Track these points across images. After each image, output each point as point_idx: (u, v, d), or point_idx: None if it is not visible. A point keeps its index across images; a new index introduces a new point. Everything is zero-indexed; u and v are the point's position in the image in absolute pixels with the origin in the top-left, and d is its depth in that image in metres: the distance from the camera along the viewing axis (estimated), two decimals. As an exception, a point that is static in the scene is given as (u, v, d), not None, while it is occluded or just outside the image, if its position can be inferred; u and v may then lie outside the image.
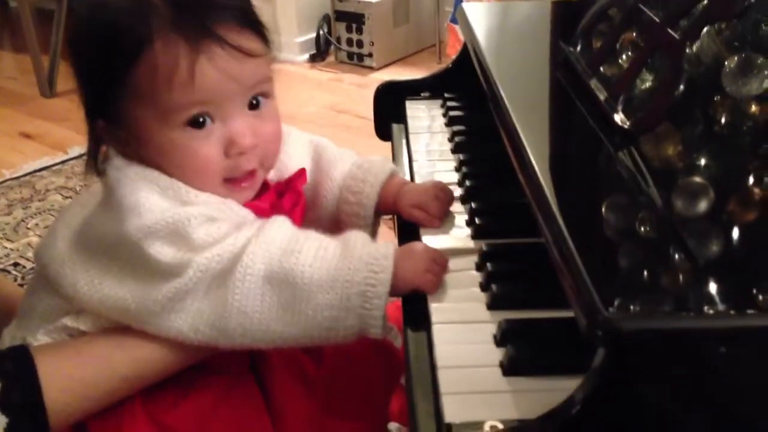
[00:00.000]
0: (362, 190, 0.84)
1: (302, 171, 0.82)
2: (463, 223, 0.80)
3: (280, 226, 0.71)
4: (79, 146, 2.18)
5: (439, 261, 0.70)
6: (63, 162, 2.12)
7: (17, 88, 2.68)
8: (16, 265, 1.65)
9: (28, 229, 1.79)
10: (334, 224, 0.86)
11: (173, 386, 0.74)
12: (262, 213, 0.75)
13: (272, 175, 0.82)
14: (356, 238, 0.71)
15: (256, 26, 0.72)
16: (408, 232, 0.81)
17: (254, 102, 0.73)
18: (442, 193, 0.82)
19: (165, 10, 0.67)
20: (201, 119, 0.70)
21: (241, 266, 0.67)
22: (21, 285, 1.56)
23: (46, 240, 0.76)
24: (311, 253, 0.68)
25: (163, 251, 0.67)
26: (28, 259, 1.66)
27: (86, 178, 0.75)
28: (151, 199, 0.69)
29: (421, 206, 0.81)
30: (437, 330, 0.63)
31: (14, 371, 0.67)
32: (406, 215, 0.82)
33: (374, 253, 0.68)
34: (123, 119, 0.71)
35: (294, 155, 0.85)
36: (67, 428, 0.71)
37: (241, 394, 0.77)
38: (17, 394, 0.66)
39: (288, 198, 0.79)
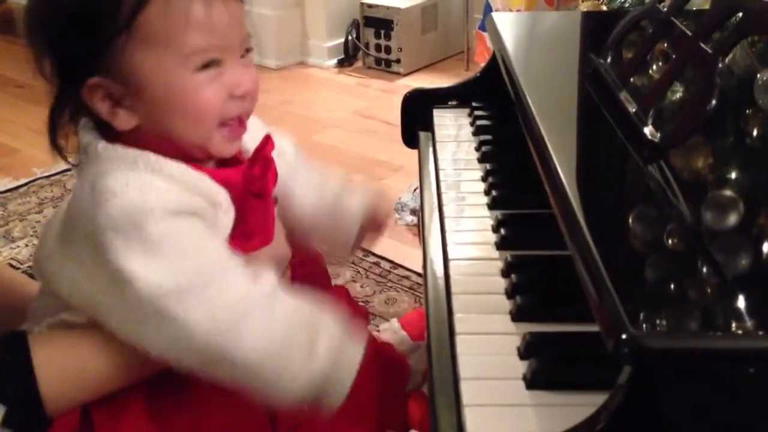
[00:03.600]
0: (337, 237, 0.93)
1: (267, 137, 0.80)
2: (489, 233, 0.80)
3: (238, 290, 0.70)
4: (108, 146, 2.21)
5: None
6: (93, 162, 2.15)
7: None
8: (45, 262, 1.67)
9: (57, 227, 1.82)
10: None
11: (174, 377, 0.74)
12: (235, 184, 0.75)
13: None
14: (322, 339, 0.72)
15: None
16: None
17: (245, 52, 0.74)
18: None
19: None
20: (211, 63, 0.71)
21: (180, 318, 0.66)
22: (49, 282, 1.59)
23: (39, 245, 0.78)
24: (287, 312, 0.71)
25: (115, 248, 0.66)
26: (56, 257, 1.69)
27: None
28: (121, 172, 0.68)
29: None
30: (461, 341, 0.63)
31: (9, 361, 0.68)
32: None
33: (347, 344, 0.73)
34: (121, 72, 0.69)
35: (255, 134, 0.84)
36: (73, 421, 0.71)
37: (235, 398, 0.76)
38: (12, 384, 0.66)
39: (258, 166, 0.78)
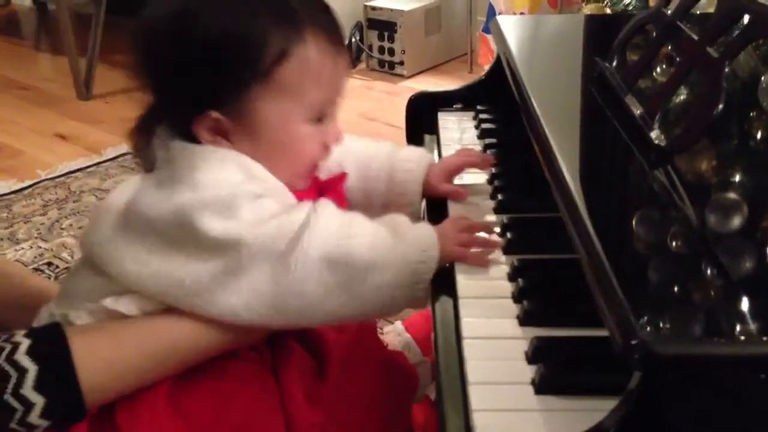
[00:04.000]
0: (406, 191, 0.89)
1: (343, 174, 0.86)
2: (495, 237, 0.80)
3: (332, 210, 0.74)
4: (113, 148, 2.22)
5: (467, 231, 0.76)
6: (98, 164, 2.15)
7: (54, 89, 2.73)
8: (49, 264, 1.67)
9: (62, 229, 1.82)
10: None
11: (197, 372, 0.75)
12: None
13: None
14: (401, 221, 0.76)
15: None
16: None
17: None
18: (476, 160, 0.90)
19: (306, 12, 0.73)
20: (322, 116, 0.76)
21: (299, 248, 0.69)
22: (54, 285, 1.59)
23: (90, 226, 0.79)
24: (367, 236, 0.72)
25: (212, 224, 0.69)
26: (61, 259, 1.69)
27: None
28: (211, 169, 0.72)
29: (450, 175, 0.89)
30: (468, 345, 0.63)
31: (50, 354, 0.68)
32: (437, 194, 0.89)
33: (421, 235, 0.74)
34: (241, 112, 0.73)
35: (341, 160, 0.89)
36: (95, 413, 0.72)
37: (259, 385, 0.78)
38: (53, 376, 0.67)
39: (330, 195, 0.81)
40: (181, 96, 0.74)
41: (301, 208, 0.73)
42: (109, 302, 0.74)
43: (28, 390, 0.66)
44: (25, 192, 2.00)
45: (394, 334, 1.13)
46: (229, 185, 0.71)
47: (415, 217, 0.88)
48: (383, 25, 2.83)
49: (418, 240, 0.73)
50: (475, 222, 0.79)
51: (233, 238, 0.69)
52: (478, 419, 0.55)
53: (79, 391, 0.68)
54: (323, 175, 0.85)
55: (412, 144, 1.13)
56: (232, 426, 0.73)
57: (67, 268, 1.65)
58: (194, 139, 0.75)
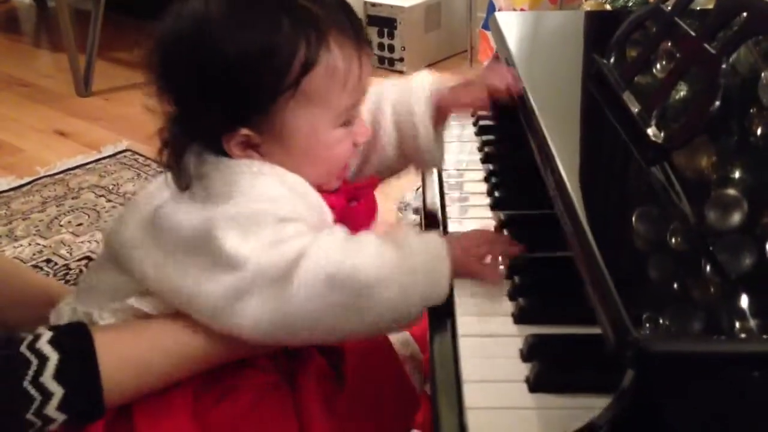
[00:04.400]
0: (413, 115, 0.86)
1: (373, 179, 0.86)
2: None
3: (336, 232, 0.73)
4: (112, 145, 2.21)
5: (484, 246, 0.73)
6: (97, 161, 2.15)
7: (53, 86, 2.73)
8: (48, 261, 1.67)
9: (61, 226, 1.82)
10: (397, 160, 0.89)
11: (218, 382, 0.76)
12: (338, 208, 0.78)
13: None
14: (407, 235, 0.73)
15: None
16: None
17: None
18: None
19: (327, 16, 0.71)
20: (350, 119, 0.76)
21: (301, 270, 0.67)
22: (53, 281, 1.59)
23: (116, 226, 0.78)
24: (371, 254, 0.70)
25: (230, 238, 0.68)
26: (60, 256, 1.69)
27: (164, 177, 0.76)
28: (246, 189, 0.71)
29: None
30: (463, 343, 0.63)
31: (72, 346, 0.68)
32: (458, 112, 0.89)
33: (430, 249, 0.71)
34: (271, 125, 0.72)
35: None
36: (113, 418, 0.72)
37: (276, 396, 0.78)
38: (75, 368, 0.67)
39: (362, 205, 0.82)
40: (207, 116, 0.72)
41: (308, 234, 0.72)
42: (134, 301, 0.74)
43: (48, 379, 0.65)
44: (24, 189, 2.00)
45: (392, 331, 1.13)
46: (263, 200, 0.71)
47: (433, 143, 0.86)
48: (383, 22, 2.83)
49: (425, 255, 0.70)
50: (498, 235, 0.77)
51: (243, 256, 0.68)
52: (472, 417, 0.55)
53: (99, 384, 0.67)
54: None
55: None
56: None
57: (65, 265, 1.65)
58: (227, 153, 0.74)
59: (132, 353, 0.71)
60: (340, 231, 0.73)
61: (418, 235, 0.73)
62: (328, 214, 0.76)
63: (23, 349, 0.66)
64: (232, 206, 0.70)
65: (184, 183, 0.74)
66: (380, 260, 0.69)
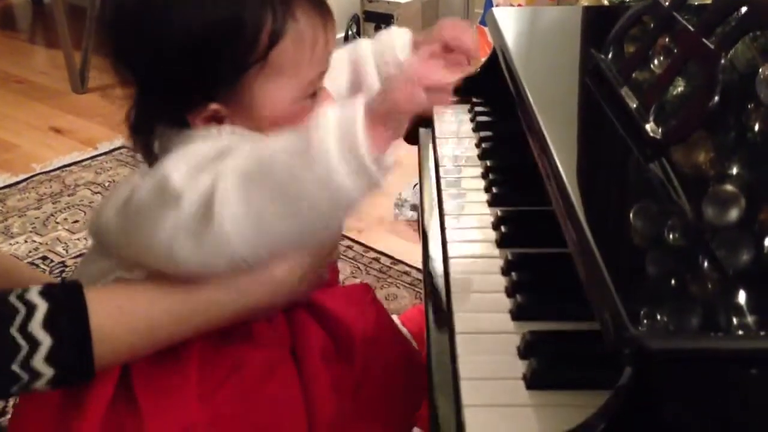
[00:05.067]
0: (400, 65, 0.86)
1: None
2: (489, 230, 0.79)
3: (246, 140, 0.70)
4: (108, 142, 2.21)
5: (421, 79, 0.63)
6: (93, 157, 2.14)
7: (49, 83, 2.72)
8: (44, 258, 1.67)
9: (57, 223, 1.81)
10: None
11: (221, 361, 0.74)
12: None
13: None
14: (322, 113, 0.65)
15: None
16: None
17: None
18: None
19: None
20: (317, 90, 0.75)
21: (219, 182, 0.63)
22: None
23: (94, 214, 0.77)
24: (280, 141, 0.65)
25: (177, 168, 0.65)
26: (56, 253, 1.68)
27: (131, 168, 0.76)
28: (196, 139, 0.70)
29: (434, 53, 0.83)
30: (460, 340, 0.63)
31: (62, 295, 0.66)
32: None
33: (343, 107, 0.63)
34: (239, 99, 0.71)
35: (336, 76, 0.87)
36: (115, 403, 0.70)
37: (282, 371, 0.77)
38: (64, 317, 0.64)
39: None
40: (170, 93, 0.71)
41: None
42: (124, 273, 0.73)
43: (35, 327, 0.63)
44: (20, 186, 2.00)
45: (392, 327, 1.12)
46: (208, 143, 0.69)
47: None
48: (380, 17, 2.82)
49: (333, 109, 0.63)
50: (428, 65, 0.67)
51: (179, 189, 0.64)
52: (469, 414, 0.55)
53: (89, 335, 0.64)
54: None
55: (407, 137, 1.12)
56: (255, 422, 0.73)
57: (62, 262, 1.65)
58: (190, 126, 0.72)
59: (124, 303, 0.68)
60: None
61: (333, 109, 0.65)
62: None
63: (12, 298, 0.63)
64: (181, 153, 0.68)
65: (152, 159, 0.73)
66: (290, 141, 0.64)
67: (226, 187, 0.63)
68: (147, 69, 0.71)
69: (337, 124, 0.61)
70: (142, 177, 0.71)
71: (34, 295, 0.64)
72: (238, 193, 0.63)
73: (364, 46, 0.92)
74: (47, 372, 0.63)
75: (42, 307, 0.64)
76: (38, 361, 0.63)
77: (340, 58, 0.90)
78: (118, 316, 0.68)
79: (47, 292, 0.65)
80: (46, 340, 0.63)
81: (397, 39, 0.90)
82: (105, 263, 0.75)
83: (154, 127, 0.73)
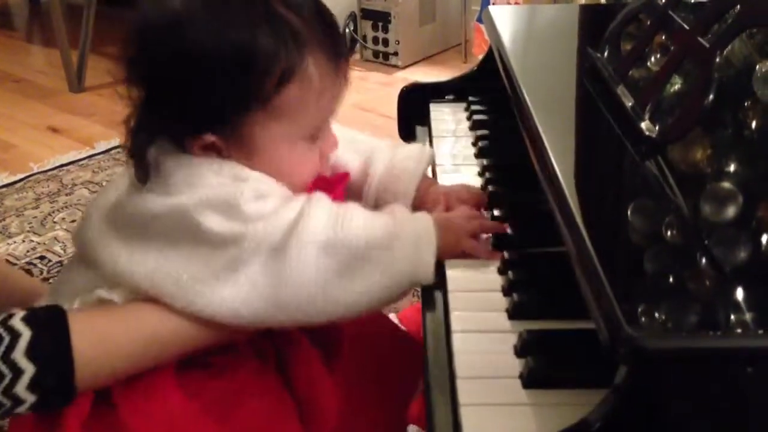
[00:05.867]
0: (398, 189, 0.86)
1: (345, 175, 0.84)
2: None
3: (326, 200, 0.73)
4: (105, 141, 2.20)
5: (474, 221, 0.75)
6: (90, 157, 2.14)
7: (46, 82, 2.71)
8: (42, 258, 1.67)
9: (54, 223, 1.81)
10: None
11: (203, 367, 0.75)
12: None
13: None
14: (394, 207, 0.76)
15: None
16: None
17: None
18: (467, 196, 0.83)
19: (307, 31, 0.70)
20: (318, 132, 0.75)
21: (294, 238, 0.68)
22: (46, 278, 1.58)
23: (81, 223, 0.78)
24: (360, 219, 0.71)
25: (215, 221, 0.68)
26: (54, 253, 1.68)
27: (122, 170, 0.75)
28: (207, 176, 0.70)
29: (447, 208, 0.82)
30: (457, 338, 0.63)
31: (45, 322, 0.67)
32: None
33: (418, 219, 0.74)
34: (238, 135, 0.71)
35: (342, 155, 0.87)
36: (94, 410, 0.70)
37: (265, 382, 0.77)
38: (47, 344, 0.65)
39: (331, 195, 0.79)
40: (174, 117, 0.71)
41: (297, 199, 0.72)
42: (104, 292, 0.73)
43: (19, 355, 0.63)
44: (17, 185, 1.99)
45: (390, 326, 1.13)
46: (227, 186, 0.70)
47: None
48: (377, 16, 2.82)
49: (411, 217, 0.73)
50: (485, 219, 0.78)
51: (236, 233, 0.68)
52: (466, 413, 0.55)
53: (71, 360, 0.65)
54: (328, 171, 0.84)
55: (404, 135, 1.12)
56: (239, 424, 0.73)
57: (59, 262, 1.64)
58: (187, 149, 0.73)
59: (107, 331, 0.69)
60: (327, 198, 0.73)
61: (407, 210, 0.76)
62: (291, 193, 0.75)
63: None
64: (199, 194, 0.69)
65: (143, 174, 0.73)
66: (371, 224, 0.71)
67: (304, 241, 0.68)
68: (159, 86, 0.71)
69: (413, 235, 0.71)
70: (139, 194, 0.72)
71: (17, 322, 0.65)
72: (314, 254, 0.68)
73: (379, 155, 0.89)
74: (29, 398, 0.64)
75: (26, 334, 0.65)
76: (21, 389, 0.64)
77: (357, 147, 0.90)
78: (101, 342, 0.69)
79: (30, 318, 0.66)
80: (29, 368, 0.64)
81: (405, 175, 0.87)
82: (87, 276, 0.75)
83: (153, 138, 0.73)
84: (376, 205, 0.86)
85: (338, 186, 0.82)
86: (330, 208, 0.72)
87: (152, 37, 0.70)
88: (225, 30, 0.67)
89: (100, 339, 0.69)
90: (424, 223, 0.73)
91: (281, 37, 0.68)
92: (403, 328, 1.14)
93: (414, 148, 0.91)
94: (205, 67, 0.68)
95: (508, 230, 0.76)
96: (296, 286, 0.68)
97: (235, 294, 0.69)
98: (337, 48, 0.73)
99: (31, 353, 0.64)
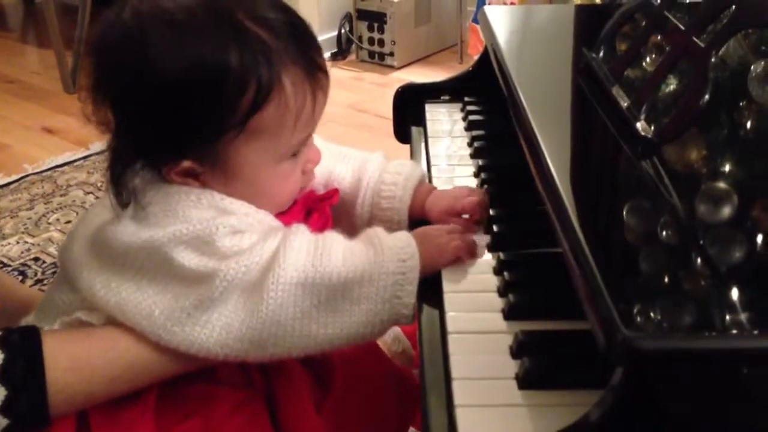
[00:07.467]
0: (394, 194, 0.84)
1: (334, 191, 0.82)
2: (481, 231, 0.79)
3: (303, 233, 0.71)
4: (100, 142, 2.20)
5: (455, 229, 0.75)
6: (85, 158, 2.13)
7: (41, 83, 2.71)
8: (36, 259, 1.66)
9: (49, 224, 1.81)
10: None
11: (184, 399, 0.73)
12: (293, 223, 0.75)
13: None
14: (375, 233, 0.72)
15: None
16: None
17: None
18: (473, 198, 0.81)
19: (281, 48, 0.66)
20: (299, 150, 0.73)
21: (272, 276, 0.66)
22: (41, 280, 1.58)
23: (65, 242, 0.77)
24: (339, 253, 0.69)
25: (187, 257, 0.66)
26: (48, 254, 1.67)
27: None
28: (185, 208, 0.68)
29: (452, 212, 0.81)
30: (452, 340, 0.63)
31: (19, 344, 0.66)
32: (436, 222, 0.81)
33: (398, 243, 0.70)
34: (215, 158, 0.68)
35: (334, 168, 0.86)
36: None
37: (249, 413, 0.75)
38: (20, 367, 0.64)
39: (316, 219, 0.79)
40: (147, 143, 0.69)
41: (275, 234, 0.70)
42: (83, 315, 0.72)
43: None
44: (12, 186, 1.99)
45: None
46: (203, 221, 0.67)
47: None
48: (373, 16, 2.82)
49: (395, 250, 0.69)
50: (458, 222, 0.78)
51: (209, 270, 0.66)
52: (461, 414, 0.54)
53: (44, 384, 0.64)
54: (319, 188, 0.83)
55: (399, 136, 1.12)
56: None
57: (54, 263, 1.64)
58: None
59: (82, 355, 0.68)
60: (305, 231, 0.71)
61: (386, 234, 0.72)
62: (278, 223, 0.73)
63: None
64: (174, 228, 0.67)
65: (123, 200, 0.70)
66: (351, 258, 0.68)
67: (282, 277, 0.66)
68: (121, 109, 0.68)
69: (386, 271, 0.68)
70: (118, 221, 0.70)
71: None
72: (292, 291, 0.67)
73: (371, 170, 0.86)
74: (1, 422, 0.63)
75: None
76: None
77: (348, 159, 0.87)
78: (76, 367, 0.68)
79: (4, 341, 0.65)
80: (0, 392, 0.63)
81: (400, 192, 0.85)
82: (69, 296, 0.74)
83: (129, 164, 0.70)
84: (372, 213, 0.85)
85: (326, 204, 0.81)
86: (308, 242, 0.69)
87: (109, 59, 0.67)
88: (189, 49, 0.64)
89: (75, 364, 0.68)
90: (405, 245, 0.70)
91: (252, 55, 0.64)
92: (397, 328, 1.14)
93: (404, 161, 0.89)
94: (169, 89, 0.64)
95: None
96: (274, 323, 0.66)
97: (209, 333, 0.67)
98: (314, 61, 0.69)
99: (3, 377, 0.63)
